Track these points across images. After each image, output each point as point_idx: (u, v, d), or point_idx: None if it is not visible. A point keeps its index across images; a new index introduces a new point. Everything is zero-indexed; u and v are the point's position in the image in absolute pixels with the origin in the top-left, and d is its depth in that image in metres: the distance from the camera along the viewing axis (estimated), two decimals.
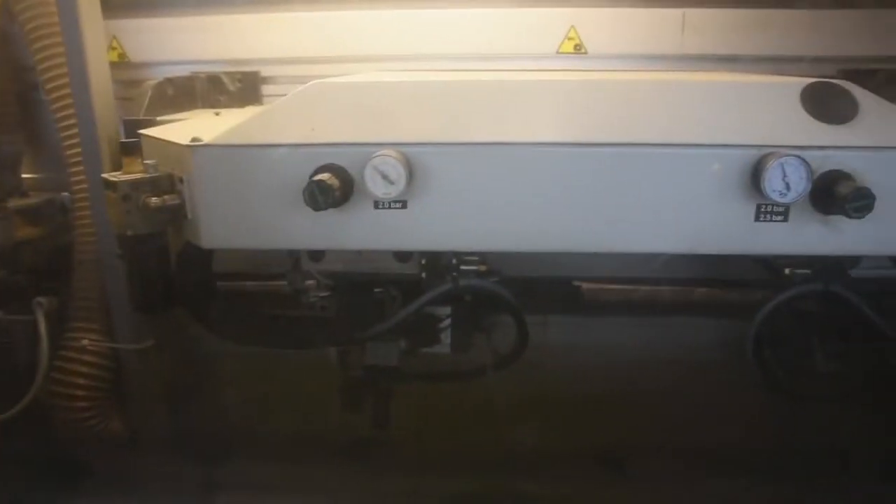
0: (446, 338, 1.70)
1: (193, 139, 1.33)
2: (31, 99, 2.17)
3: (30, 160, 2.23)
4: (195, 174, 1.33)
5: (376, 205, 1.30)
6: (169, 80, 1.96)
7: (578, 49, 2.07)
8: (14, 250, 2.00)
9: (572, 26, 2.06)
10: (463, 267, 1.51)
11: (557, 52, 2.09)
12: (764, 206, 1.29)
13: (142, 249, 1.41)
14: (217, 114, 1.83)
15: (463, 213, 1.31)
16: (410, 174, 1.26)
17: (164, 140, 1.41)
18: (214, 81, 2.08)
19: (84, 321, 1.91)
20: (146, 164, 1.40)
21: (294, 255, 1.66)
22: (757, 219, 1.30)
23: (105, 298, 1.92)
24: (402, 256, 1.56)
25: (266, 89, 2.22)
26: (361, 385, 1.76)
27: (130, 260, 1.43)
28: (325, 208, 1.24)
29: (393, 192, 1.25)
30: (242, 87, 2.12)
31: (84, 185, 1.91)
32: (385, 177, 1.24)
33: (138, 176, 1.37)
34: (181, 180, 1.36)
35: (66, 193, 2.09)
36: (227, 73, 2.10)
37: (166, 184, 1.39)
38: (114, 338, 1.91)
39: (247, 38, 2.18)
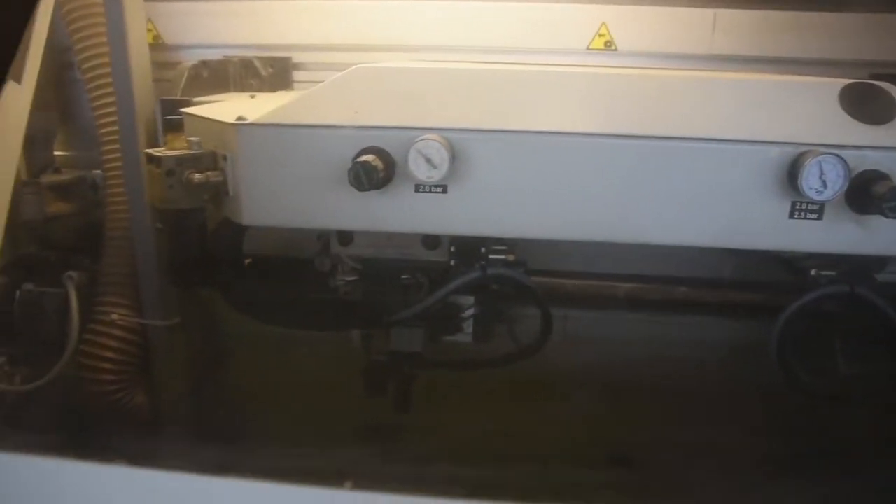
0: (468, 327, 1.73)
1: (239, 118, 1.35)
2: (65, 79, 2.20)
3: (61, 138, 2.26)
4: (239, 152, 1.35)
5: (417, 188, 1.33)
6: (204, 63, 1.98)
7: (608, 46, 2.10)
8: (45, 225, 2.03)
9: (603, 23, 2.08)
10: (492, 256, 1.54)
11: (587, 49, 2.11)
12: (799, 204, 1.31)
13: (183, 224, 1.43)
14: (252, 97, 1.86)
15: (501, 199, 1.34)
16: (452, 159, 1.29)
17: (208, 118, 1.43)
18: (247, 66, 2.10)
19: (114, 296, 1.94)
20: (190, 140, 1.42)
21: (323, 238, 1.69)
22: (791, 216, 1.32)
23: (135, 275, 1.94)
24: (431, 244, 1.59)
25: (296, 75, 2.24)
26: (385, 370, 1.78)
27: (171, 234, 1.45)
28: (369, 189, 1.26)
29: (435, 176, 1.28)
30: (274, 73, 2.15)
31: (117, 163, 1.93)
32: (429, 160, 1.27)
33: (183, 152, 1.40)
34: (224, 158, 1.39)
35: (97, 171, 2.12)
36: (260, 58, 2.13)
37: (209, 161, 1.41)
38: (142, 314, 1.94)
39: (279, 25, 2.21)
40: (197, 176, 1.37)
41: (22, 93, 1.44)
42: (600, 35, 2.09)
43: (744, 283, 1.87)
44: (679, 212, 1.34)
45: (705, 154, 1.31)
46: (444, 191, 1.32)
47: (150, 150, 1.42)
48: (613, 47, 2.09)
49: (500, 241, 1.55)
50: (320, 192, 1.35)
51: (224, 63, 2.07)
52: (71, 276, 1.98)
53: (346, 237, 1.61)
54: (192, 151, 1.40)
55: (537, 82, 1.37)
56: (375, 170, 1.25)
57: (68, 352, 1.90)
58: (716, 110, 1.35)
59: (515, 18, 2.13)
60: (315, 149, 1.33)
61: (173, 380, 2.04)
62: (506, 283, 1.61)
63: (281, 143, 1.34)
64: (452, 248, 1.57)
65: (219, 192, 1.41)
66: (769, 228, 1.34)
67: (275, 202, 1.38)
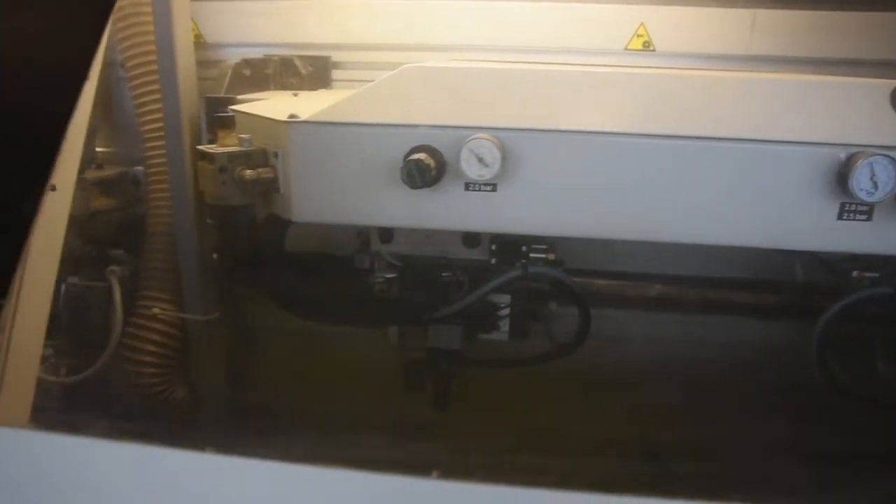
0: (504, 325, 1.74)
1: (291, 116, 1.37)
2: (108, 76, 2.23)
3: (103, 135, 2.30)
4: (291, 149, 1.37)
5: (467, 186, 1.34)
6: (246, 61, 2.01)
7: (647, 46, 2.10)
8: (89, 220, 2.07)
9: (642, 23, 2.08)
10: (532, 254, 1.56)
11: (625, 49, 2.11)
12: (848, 205, 1.31)
13: (233, 220, 1.45)
14: (295, 95, 1.88)
15: (549, 198, 1.35)
16: (503, 158, 1.30)
17: (259, 116, 1.46)
18: (287, 64, 2.12)
19: (155, 290, 1.97)
20: (241, 137, 1.45)
21: (363, 236, 1.71)
22: (840, 217, 1.32)
23: (176, 269, 1.97)
24: (471, 242, 1.61)
25: (335, 74, 2.26)
26: (423, 366, 1.80)
27: (221, 230, 1.48)
28: (421, 187, 1.28)
29: (486, 174, 1.29)
30: (313, 71, 2.17)
31: (159, 160, 1.96)
32: (480, 159, 1.28)
33: (234, 149, 1.42)
34: (275, 155, 1.41)
35: (138, 167, 2.16)
36: (300, 57, 2.15)
37: (260, 158, 1.44)
38: (183, 308, 1.97)
39: (318, 24, 2.23)
40: (248, 172, 1.39)
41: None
42: (638, 35, 2.09)
43: (778, 285, 1.88)
44: (727, 212, 1.35)
45: (754, 155, 1.32)
46: (494, 189, 1.34)
47: (202, 147, 1.45)
48: (651, 48, 2.09)
49: (540, 239, 1.57)
50: (370, 190, 1.37)
51: (265, 62, 2.09)
52: (114, 271, 2.02)
53: (386, 234, 1.63)
54: (243, 148, 1.42)
55: (587, 82, 1.38)
56: (428, 168, 1.27)
57: (112, 345, 1.94)
58: (765, 111, 1.36)
59: (554, 18, 2.13)
60: (366, 147, 1.35)
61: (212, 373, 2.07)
62: (546, 282, 1.62)
63: (332, 140, 1.36)
64: (493, 247, 1.58)
65: (269, 189, 1.43)
66: (817, 229, 1.34)
67: (325, 199, 1.40)
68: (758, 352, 1.96)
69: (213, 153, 1.41)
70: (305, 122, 1.36)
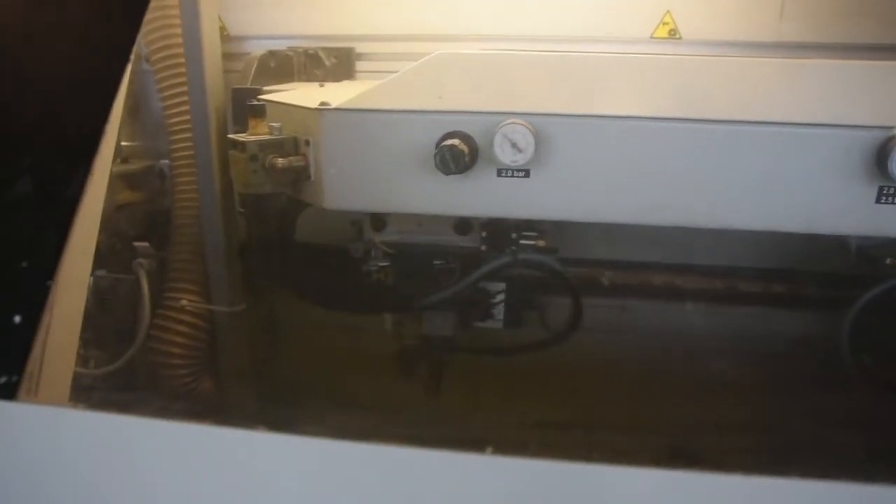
0: (499, 313, 1.73)
1: (322, 103, 1.37)
2: (132, 69, 2.24)
3: (127, 129, 2.31)
4: (323, 137, 1.37)
5: (499, 173, 1.33)
6: (272, 53, 2.01)
7: (673, 34, 2.08)
8: (115, 213, 2.08)
9: (668, 11, 2.07)
10: (522, 241, 1.56)
11: (651, 37, 2.09)
12: (887, 188, 1.29)
13: (264, 208, 1.45)
14: (321, 85, 1.88)
15: (583, 183, 1.34)
16: (536, 144, 1.29)
17: (289, 104, 1.46)
18: (312, 56, 2.12)
19: (182, 282, 1.98)
20: (272, 126, 1.45)
21: (357, 224, 1.70)
22: (878, 200, 1.30)
23: (202, 261, 1.98)
24: (462, 229, 1.61)
25: (358, 65, 2.26)
26: (417, 353, 1.78)
27: (252, 218, 1.48)
28: (455, 173, 1.28)
29: (520, 160, 1.29)
30: (337, 63, 2.17)
31: (185, 152, 1.97)
32: (514, 145, 1.27)
33: (266, 137, 1.42)
34: (307, 143, 1.41)
35: (164, 161, 2.16)
36: (324, 49, 2.15)
37: (290, 146, 1.44)
38: (210, 300, 1.97)
39: (341, 15, 2.23)
40: (280, 161, 1.39)
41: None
42: (664, 23, 2.07)
43: (808, 273, 1.86)
44: (763, 197, 1.33)
45: (790, 138, 1.30)
46: (527, 175, 1.33)
47: (233, 136, 1.45)
48: (678, 36, 2.07)
49: (532, 226, 1.57)
50: (402, 177, 1.36)
51: (289, 54, 2.09)
52: (141, 263, 2.02)
53: (379, 223, 1.65)
54: (274, 137, 1.42)
55: (620, 67, 1.36)
56: (462, 154, 1.26)
57: (140, 337, 1.95)
58: (801, 94, 1.34)
59: (577, 7, 2.12)
60: (398, 133, 1.34)
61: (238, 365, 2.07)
62: (536, 269, 1.61)
63: (364, 127, 1.35)
64: (483, 234, 1.58)
65: (300, 178, 1.43)
66: (855, 214, 1.32)
67: (356, 187, 1.39)
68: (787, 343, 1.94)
69: (244, 141, 1.41)
70: (337, 109, 1.36)
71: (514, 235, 1.56)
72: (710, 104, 1.32)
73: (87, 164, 0.85)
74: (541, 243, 1.57)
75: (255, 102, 1.46)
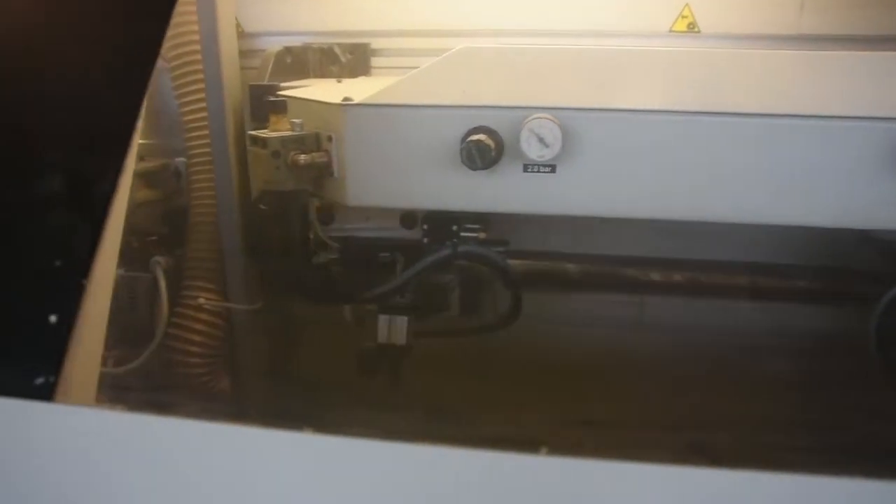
0: (454, 300, 1.73)
1: (345, 99, 1.36)
2: None
3: (143, 127, 2.29)
4: (346, 132, 1.36)
5: (525, 168, 1.32)
6: (288, 49, 2.00)
7: (692, 28, 2.06)
8: (132, 212, 2.07)
9: (686, 4, 2.05)
10: (463, 234, 1.55)
11: (670, 31, 2.07)
12: None
13: (286, 204, 1.44)
14: (339, 81, 1.86)
15: (610, 178, 1.33)
16: (563, 138, 1.28)
17: (311, 100, 1.44)
18: (327, 52, 2.11)
19: (200, 280, 1.97)
20: (293, 122, 1.43)
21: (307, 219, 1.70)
22: None
23: (219, 259, 1.97)
24: (408, 223, 1.63)
25: (374, 61, 2.25)
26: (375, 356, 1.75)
27: (274, 214, 1.47)
28: (482, 168, 1.26)
29: (547, 155, 1.27)
30: (353, 59, 2.15)
31: (202, 150, 1.95)
32: (541, 139, 1.26)
33: (287, 133, 1.41)
34: (329, 139, 1.40)
35: (180, 159, 2.15)
36: (340, 45, 2.14)
37: (312, 142, 1.42)
38: (227, 298, 1.97)
39: (357, 11, 2.22)
40: (303, 157, 1.38)
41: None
42: (683, 17, 2.05)
43: (831, 270, 1.84)
44: (791, 191, 1.32)
45: (819, 132, 1.29)
46: (553, 170, 1.32)
47: (254, 132, 1.44)
48: (696, 29, 2.05)
49: (473, 218, 1.56)
50: (426, 173, 1.35)
51: (305, 50, 2.08)
52: (158, 262, 2.02)
53: (326, 217, 1.67)
54: (296, 133, 1.41)
55: (644, 61, 1.35)
56: (488, 149, 1.25)
57: (158, 335, 1.94)
58: (828, 87, 1.32)
59: (595, 1, 2.10)
60: (422, 129, 1.33)
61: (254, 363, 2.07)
62: (477, 261, 1.60)
63: (388, 123, 1.34)
64: (425, 226, 1.57)
65: (322, 174, 1.42)
66: (885, 208, 1.30)
67: (380, 183, 1.38)
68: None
69: (266, 138, 1.40)
70: (361, 104, 1.34)
71: (454, 227, 1.55)
72: (739, 98, 1.31)
73: (120, 161, 0.84)
74: (481, 235, 1.56)
75: (276, 98, 1.44)
